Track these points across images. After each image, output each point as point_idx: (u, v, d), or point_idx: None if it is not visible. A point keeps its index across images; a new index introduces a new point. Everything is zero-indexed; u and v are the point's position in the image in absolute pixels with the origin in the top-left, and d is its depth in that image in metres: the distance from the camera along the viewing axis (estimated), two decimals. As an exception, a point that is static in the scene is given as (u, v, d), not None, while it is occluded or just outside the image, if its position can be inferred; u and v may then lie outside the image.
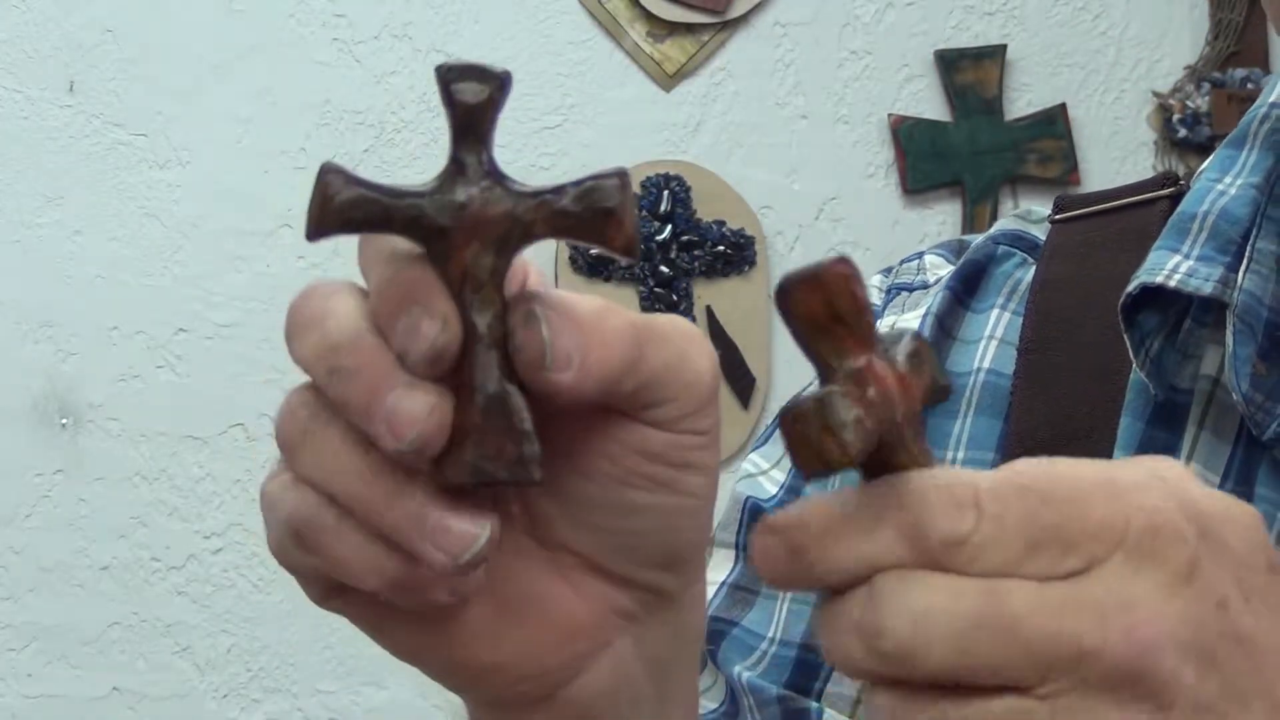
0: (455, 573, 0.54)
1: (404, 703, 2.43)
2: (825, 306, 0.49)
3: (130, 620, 2.36)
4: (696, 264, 2.51)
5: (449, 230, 0.53)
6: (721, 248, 2.52)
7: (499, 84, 0.53)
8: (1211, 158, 0.82)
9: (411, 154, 2.44)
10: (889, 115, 2.59)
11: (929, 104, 2.61)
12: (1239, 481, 0.75)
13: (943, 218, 2.61)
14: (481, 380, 0.53)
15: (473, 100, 0.53)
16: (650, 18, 2.52)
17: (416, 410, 0.52)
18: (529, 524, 0.59)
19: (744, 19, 2.56)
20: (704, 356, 0.56)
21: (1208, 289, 0.75)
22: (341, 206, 0.53)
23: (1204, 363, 0.78)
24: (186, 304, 2.37)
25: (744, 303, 2.52)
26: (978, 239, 0.89)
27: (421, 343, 0.52)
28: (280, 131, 2.41)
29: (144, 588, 2.37)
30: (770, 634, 0.84)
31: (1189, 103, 2.66)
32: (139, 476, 2.36)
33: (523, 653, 0.58)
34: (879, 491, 0.49)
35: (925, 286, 0.88)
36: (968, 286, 0.86)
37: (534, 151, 2.46)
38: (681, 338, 0.56)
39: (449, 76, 0.53)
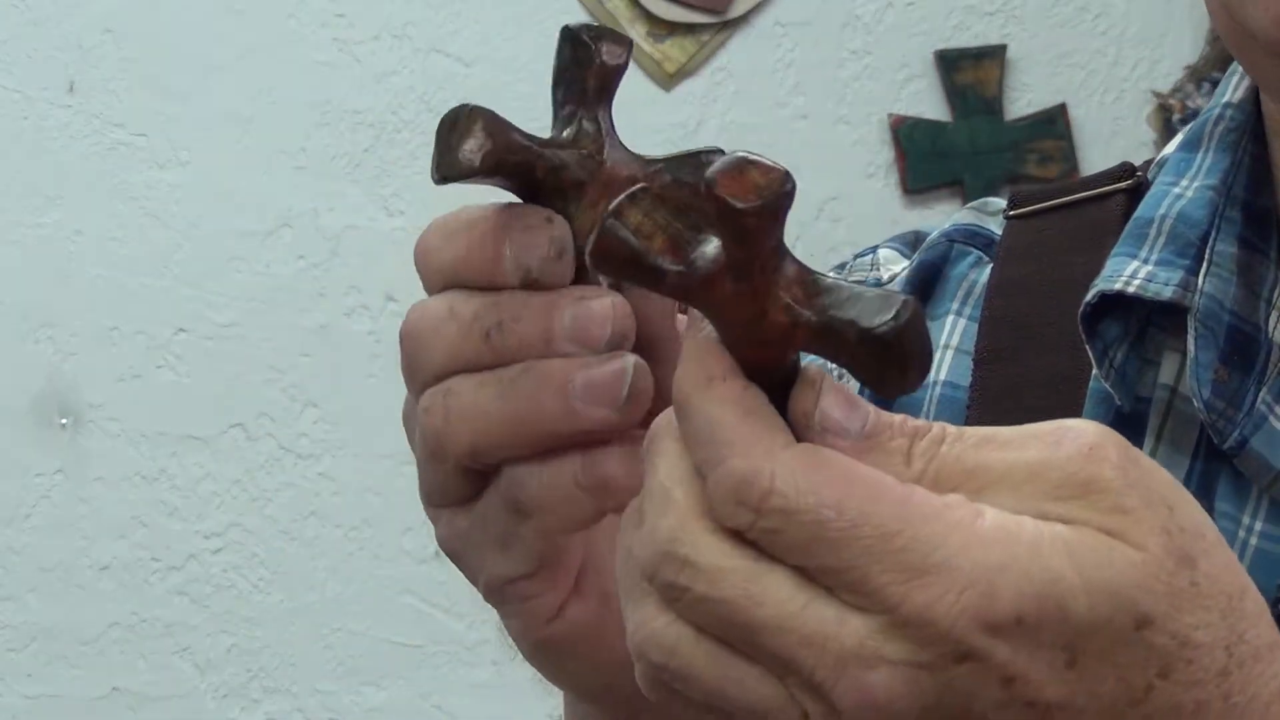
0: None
1: (404, 703, 2.43)
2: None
3: (130, 620, 2.36)
4: (696, 264, 2.51)
5: (585, 185, 0.55)
6: (721, 248, 2.52)
7: (630, 47, 0.56)
8: (1166, 157, 0.80)
9: (412, 154, 2.44)
10: (889, 115, 2.59)
11: (929, 104, 2.61)
12: (1198, 495, 0.72)
13: (942, 218, 2.60)
14: None
15: (614, 62, 0.55)
16: (650, 18, 2.52)
17: (601, 310, 0.55)
18: None
19: (744, 19, 2.56)
20: None
21: (1167, 293, 0.74)
22: (496, 149, 0.54)
23: (1161, 371, 0.76)
24: (186, 304, 2.37)
25: (744, 303, 2.52)
26: (933, 233, 0.87)
27: (538, 246, 0.55)
28: (280, 131, 2.41)
29: (144, 588, 2.37)
30: None
31: (1189, 103, 2.66)
32: (139, 476, 2.36)
33: None
34: (715, 422, 0.49)
35: (879, 285, 0.86)
36: (923, 290, 0.84)
37: (534, 151, 2.46)
38: None
39: (591, 36, 0.55)
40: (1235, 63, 0.78)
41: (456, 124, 0.54)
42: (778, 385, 0.50)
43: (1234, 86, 0.80)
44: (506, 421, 0.56)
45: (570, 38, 0.55)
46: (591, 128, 0.56)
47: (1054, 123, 2.65)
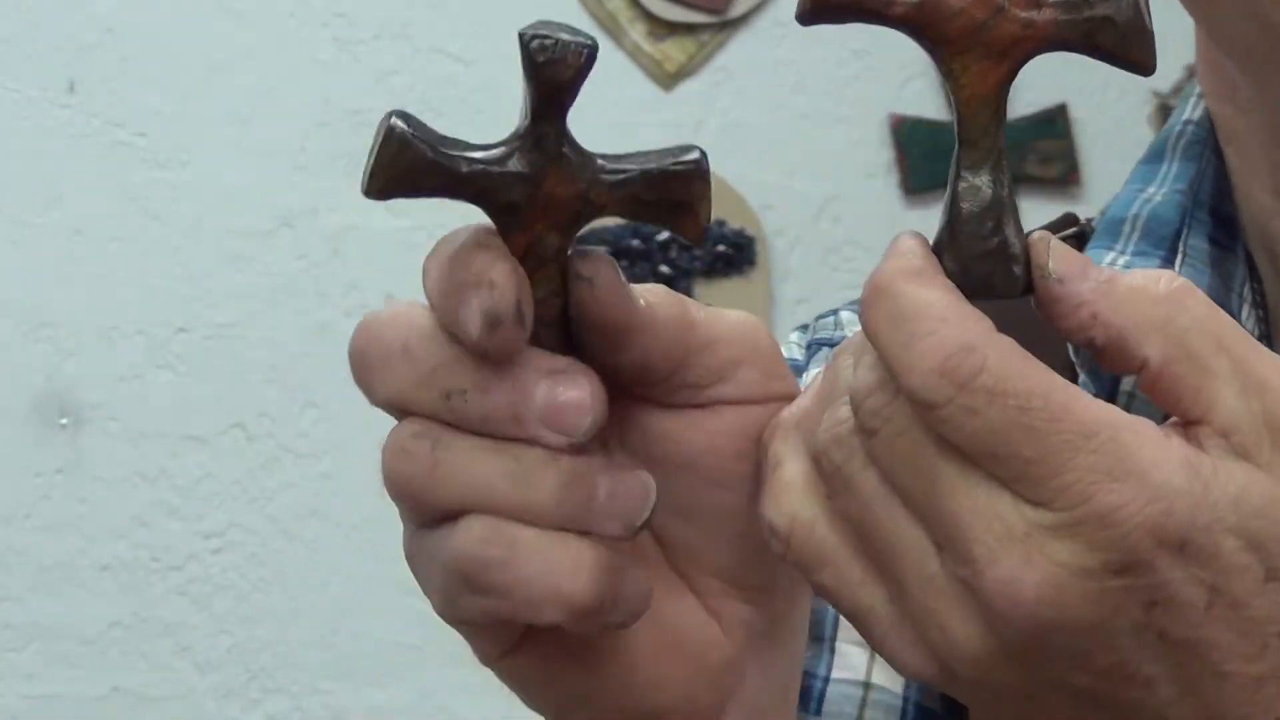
0: (627, 531, 0.52)
1: (404, 703, 2.43)
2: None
3: (130, 620, 2.36)
4: (696, 264, 2.51)
5: (518, 206, 0.52)
6: (721, 248, 2.52)
7: (588, 56, 0.51)
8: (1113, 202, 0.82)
9: (411, 154, 2.44)
10: (889, 115, 2.59)
11: (929, 104, 2.61)
12: None
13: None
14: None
15: (562, 76, 0.51)
16: (650, 18, 2.52)
17: (579, 398, 0.51)
18: (669, 556, 0.58)
19: (744, 19, 2.56)
20: (761, 326, 0.57)
21: None
22: (407, 171, 0.51)
23: None
24: (186, 304, 2.37)
25: (744, 303, 2.52)
26: None
27: (473, 315, 0.50)
28: (280, 131, 2.41)
29: (144, 588, 2.37)
30: None
31: (1189, 103, 2.66)
32: (139, 476, 2.36)
33: (684, 694, 0.57)
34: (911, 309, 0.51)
35: None
36: None
37: (534, 151, 2.46)
38: (736, 315, 0.57)
39: (536, 44, 0.51)
40: (1193, 83, 0.83)
41: (375, 140, 0.51)
42: None
43: (1192, 106, 0.84)
44: (514, 507, 0.51)
45: (522, 44, 0.51)
46: (542, 140, 0.52)
47: (1054, 123, 2.65)
